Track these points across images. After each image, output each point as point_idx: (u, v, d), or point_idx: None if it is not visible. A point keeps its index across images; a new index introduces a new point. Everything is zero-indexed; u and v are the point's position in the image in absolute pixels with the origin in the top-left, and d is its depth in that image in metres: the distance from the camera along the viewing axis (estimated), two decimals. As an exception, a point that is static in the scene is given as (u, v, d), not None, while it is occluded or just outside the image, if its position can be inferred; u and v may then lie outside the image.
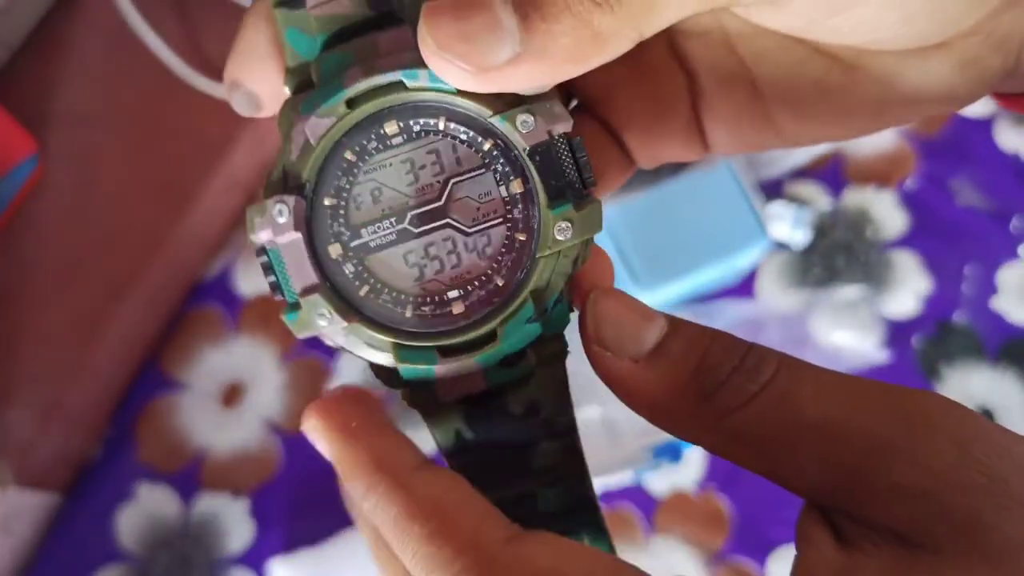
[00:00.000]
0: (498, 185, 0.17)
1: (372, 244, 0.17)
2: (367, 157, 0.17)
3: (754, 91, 0.20)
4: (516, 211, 0.17)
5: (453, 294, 0.17)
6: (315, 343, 0.61)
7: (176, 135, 0.62)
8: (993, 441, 0.15)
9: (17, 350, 0.56)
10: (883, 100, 0.19)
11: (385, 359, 0.18)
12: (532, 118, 0.16)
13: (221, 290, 0.63)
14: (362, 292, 0.17)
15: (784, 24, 0.17)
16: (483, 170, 0.16)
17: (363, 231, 0.17)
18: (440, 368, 0.18)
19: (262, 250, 0.17)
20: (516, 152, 0.16)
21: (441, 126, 0.16)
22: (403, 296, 0.17)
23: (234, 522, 0.57)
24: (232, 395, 0.60)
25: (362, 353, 0.19)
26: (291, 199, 0.16)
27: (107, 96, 0.63)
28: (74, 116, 0.63)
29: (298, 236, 0.17)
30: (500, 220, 0.17)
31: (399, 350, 0.18)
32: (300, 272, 0.17)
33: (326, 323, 0.18)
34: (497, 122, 0.16)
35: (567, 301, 0.17)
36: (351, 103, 0.17)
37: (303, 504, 0.57)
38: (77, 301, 0.58)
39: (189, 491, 0.58)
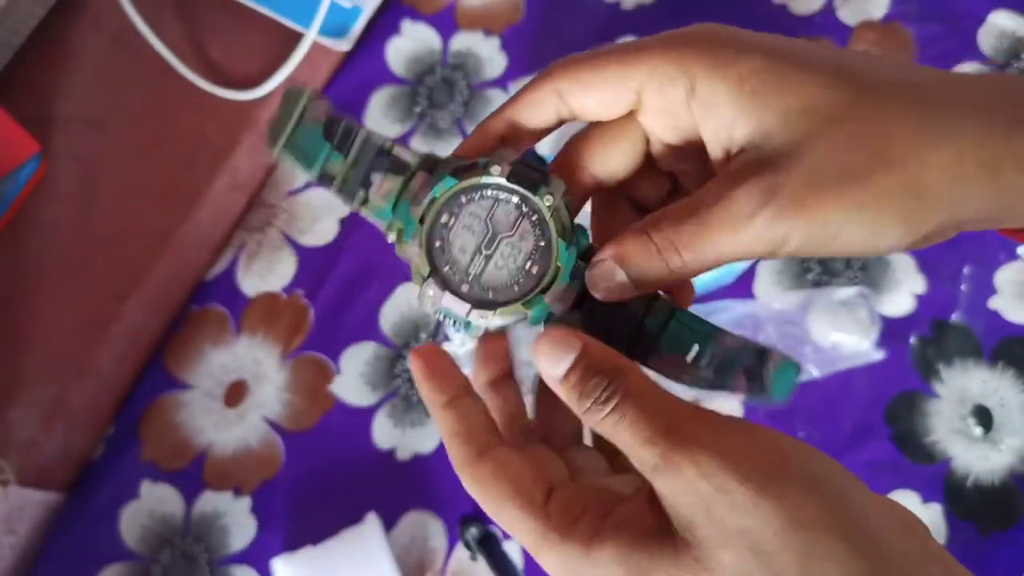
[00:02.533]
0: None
1: (474, 271, 0.28)
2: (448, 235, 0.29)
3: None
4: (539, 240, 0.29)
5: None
6: (316, 344, 0.61)
7: (178, 136, 0.62)
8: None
9: (20, 350, 0.57)
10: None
11: (521, 317, 0.28)
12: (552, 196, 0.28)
13: (224, 290, 0.63)
14: (489, 296, 0.28)
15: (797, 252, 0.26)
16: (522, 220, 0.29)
17: (469, 268, 0.28)
18: (548, 299, 0.28)
19: (437, 312, 0.28)
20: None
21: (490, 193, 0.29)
22: (503, 288, 0.28)
23: (236, 520, 0.57)
24: (234, 394, 0.60)
25: (508, 321, 0.28)
26: (432, 280, 0.28)
27: (109, 97, 0.63)
28: (76, 117, 0.63)
29: (446, 293, 0.28)
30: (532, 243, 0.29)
31: (528, 307, 0.28)
32: (458, 308, 0.28)
33: (484, 321, 0.28)
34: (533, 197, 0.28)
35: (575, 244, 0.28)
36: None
37: (304, 503, 0.58)
38: (80, 301, 0.58)
39: (191, 489, 0.58)
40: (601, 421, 0.25)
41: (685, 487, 0.23)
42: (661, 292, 0.29)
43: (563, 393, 0.26)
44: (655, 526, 0.24)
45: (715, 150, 0.27)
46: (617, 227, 0.28)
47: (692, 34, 0.26)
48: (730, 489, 0.22)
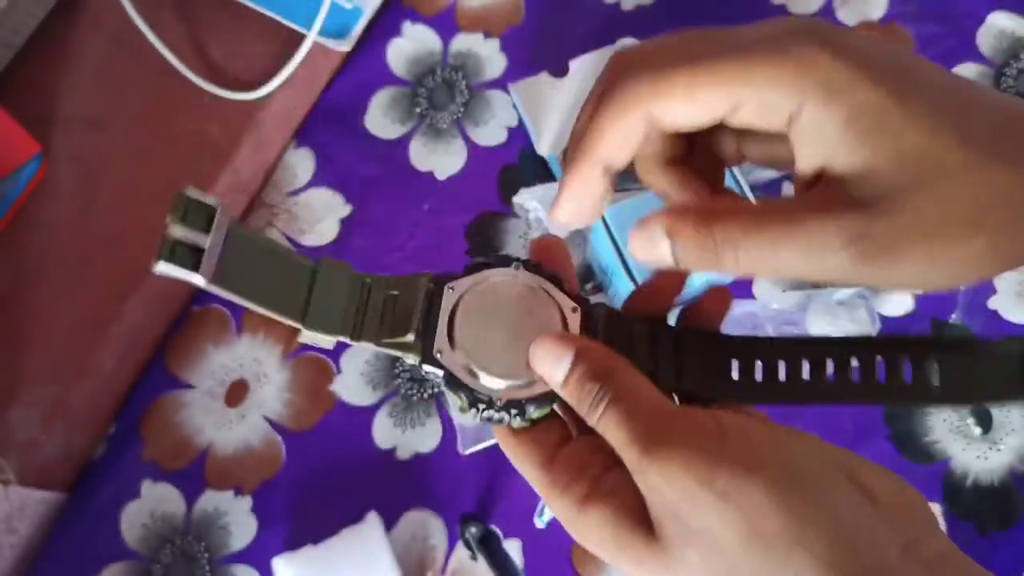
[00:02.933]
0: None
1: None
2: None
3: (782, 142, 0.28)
4: None
5: None
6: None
7: (179, 137, 0.62)
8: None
9: (21, 349, 0.57)
10: None
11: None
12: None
13: (224, 290, 0.63)
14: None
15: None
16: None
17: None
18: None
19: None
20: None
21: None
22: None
23: (237, 520, 0.58)
24: (235, 394, 0.61)
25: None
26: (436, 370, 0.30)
27: (110, 97, 0.64)
28: (77, 117, 0.63)
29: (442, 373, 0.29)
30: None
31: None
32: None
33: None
34: None
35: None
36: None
37: (305, 502, 0.58)
38: (81, 301, 0.58)
39: (192, 489, 0.58)
40: (597, 423, 0.26)
41: (655, 489, 0.24)
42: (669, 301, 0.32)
43: (564, 395, 0.27)
44: (637, 505, 0.25)
45: (805, 167, 0.26)
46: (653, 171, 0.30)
47: (796, 45, 0.24)
48: (694, 493, 0.23)
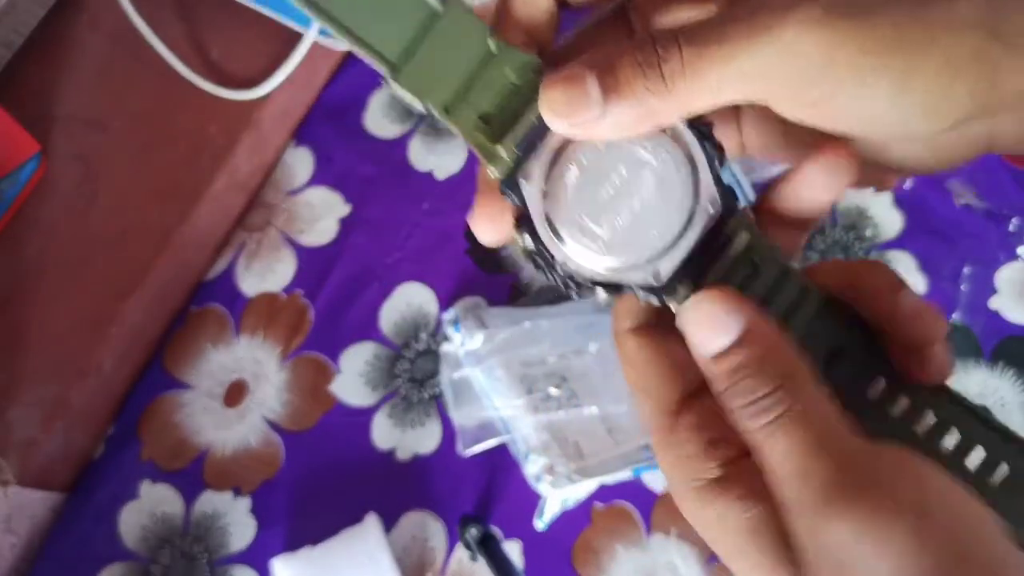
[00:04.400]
0: None
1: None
2: None
3: (772, 117, 0.24)
4: None
5: None
6: (316, 344, 0.61)
7: (178, 136, 0.62)
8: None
9: (21, 349, 0.57)
10: (874, 163, 0.24)
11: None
12: None
13: (223, 290, 0.63)
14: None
15: (811, 120, 0.22)
16: None
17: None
18: None
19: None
20: None
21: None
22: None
23: (236, 520, 0.57)
24: (234, 394, 0.60)
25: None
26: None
27: (109, 97, 0.63)
28: (76, 117, 0.63)
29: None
30: None
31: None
32: None
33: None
34: None
35: None
36: None
37: (304, 503, 0.58)
38: (80, 301, 0.58)
39: (191, 490, 0.58)
40: (752, 427, 0.20)
41: (825, 544, 0.19)
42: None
43: (708, 373, 0.21)
44: (779, 528, 0.20)
45: None
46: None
47: None
48: (877, 570, 0.18)
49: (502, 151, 0.23)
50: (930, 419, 0.23)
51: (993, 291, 0.58)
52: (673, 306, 0.23)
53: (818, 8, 0.20)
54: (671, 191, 0.23)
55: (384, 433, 0.59)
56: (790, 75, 0.20)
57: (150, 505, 0.58)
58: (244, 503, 0.58)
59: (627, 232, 0.23)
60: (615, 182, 0.23)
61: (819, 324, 0.23)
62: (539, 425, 0.55)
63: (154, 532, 0.58)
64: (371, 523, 0.54)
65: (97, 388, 0.58)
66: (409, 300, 0.61)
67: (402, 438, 0.59)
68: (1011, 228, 0.61)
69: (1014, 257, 0.60)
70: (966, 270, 0.59)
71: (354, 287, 0.62)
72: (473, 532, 0.55)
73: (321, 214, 0.64)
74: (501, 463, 0.57)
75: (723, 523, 0.21)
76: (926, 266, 0.59)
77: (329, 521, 0.55)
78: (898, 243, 0.61)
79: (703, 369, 0.22)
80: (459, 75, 0.23)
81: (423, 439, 0.58)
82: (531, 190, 0.23)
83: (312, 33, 0.62)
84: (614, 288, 0.23)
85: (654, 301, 0.23)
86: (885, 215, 0.62)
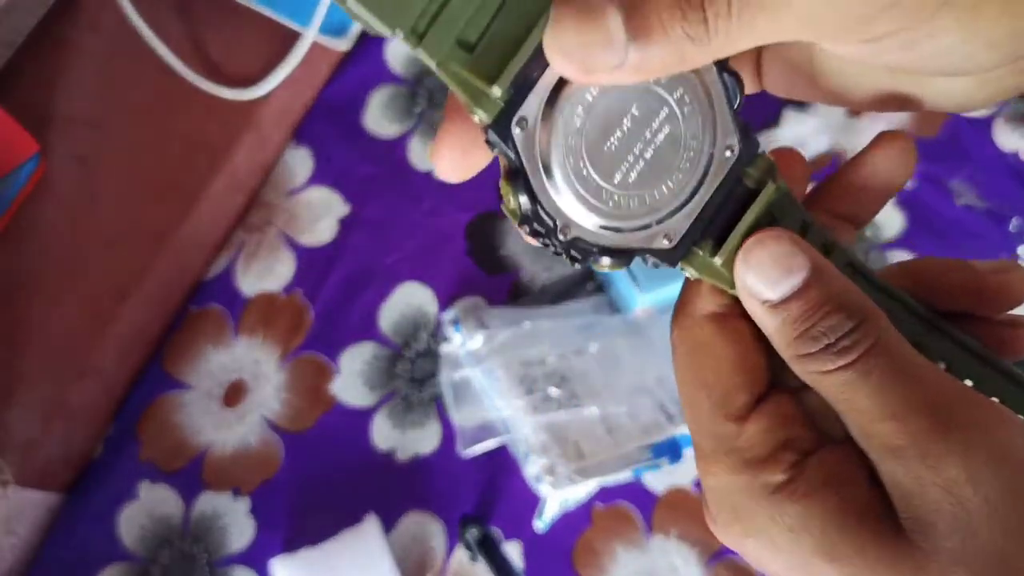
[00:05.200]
0: None
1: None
2: None
3: (806, 53, 0.23)
4: None
5: None
6: (315, 344, 0.61)
7: (178, 136, 0.62)
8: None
9: (19, 349, 0.57)
10: (909, 100, 0.22)
11: None
12: None
13: (223, 290, 0.63)
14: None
15: (854, 55, 0.20)
16: None
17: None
18: None
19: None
20: None
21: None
22: None
23: (235, 521, 0.57)
24: (233, 394, 0.60)
25: None
26: None
27: (109, 97, 0.63)
28: (76, 117, 0.63)
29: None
30: None
31: None
32: None
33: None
34: None
35: None
36: None
37: (304, 504, 0.58)
38: (79, 301, 0.58)
39: (190, 490, 0.58)
40: (830, 374, 0.19)
41: (938, 485, 0.17)
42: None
43: (775, 323, 0.19)
44: (873, 505, 0.19)
45: None
46: None
47: None
48: (1000, 505, 0.17)
49: (495, 90, 0.19)
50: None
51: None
52: (690, 272, 0.21)
53: None
54: (686, 135, 0.20)
55: (384, 433, 0.59)
56: (852, 14, 0.18)
57: (149, 505, 0.58)
58: (243, 503, 0.58)
59: (637, 186, 0.20)
60: (625, 126, 0.19)
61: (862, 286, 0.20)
62: (539, 425, 0.55)
63: (153, 532, 0.57)
64: (371, 524, 0.54)
65: (96, 388, 0.58)
66: (409, 300, 0.61)
67: (402, 438, 0.58)
68: (1011, 228, 0.61)
69: (1014, 257, 0.60)
70: (967, 270, 0.59)
71: (354, 287, 0.62)
72: (473, 533, 0.54)
73: (320, 214, 0.64)
74: (501, 464, 0.57)
75: (806, 522, 0.19)
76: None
77: (329, 522, 0.55)
78: (899, 243, 0.61)
79: (763, 322, 0.19)
80: None
81: (423, 439, 0.58)
82: (526, 139, 0.19)
83: (312, 33, 0.61)
84: (623, 255, 0.20)
85: (667, 266, 0.20)
86: (886, 215, 0.62)
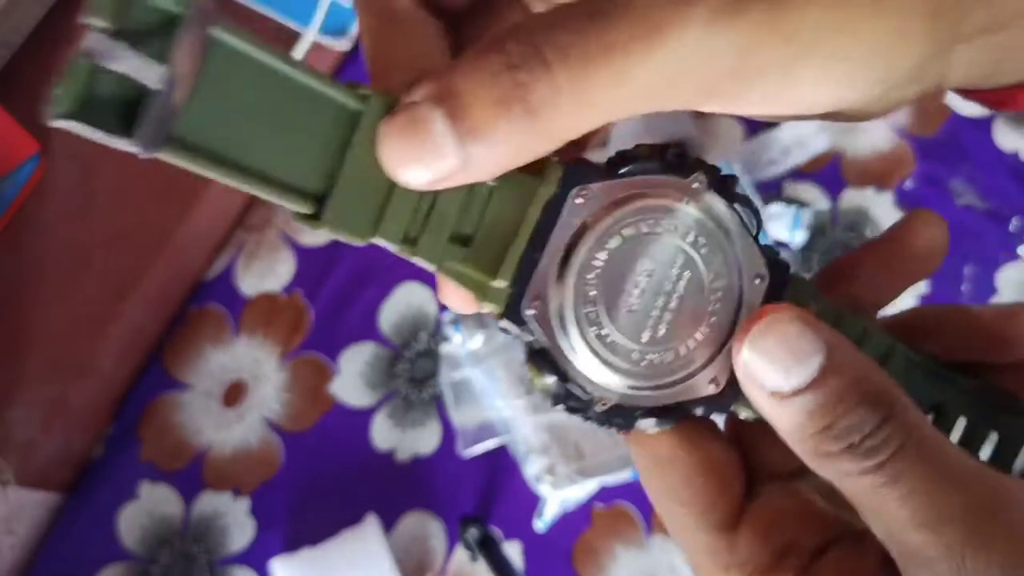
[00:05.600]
0: None
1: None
2: None
3: None
4: None
5: None
6: (315, 344, 0.61)
7: (178, 136, 0.62)
8: None
9: (20, 349, 0.57)
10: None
11: None
12: None
13: (223, 290, 0.63)
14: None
15: (734, 112, 0.18)
16: None
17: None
18: None
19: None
20: None
21: None
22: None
23: (235, 521, 0.57)
24: (234, 394, 0.60)
25: None
26: None
27: (109, 97, 0.63)
28: (76, 116, 0.63)
29: None
30: None
31: None
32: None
33: None
34: None
35: None
36: None
37: (304, 503, 0.58)
38: (80, 301, 0.58)
39: (190, 490, 0.58)
40: (856, 477, 0.16)
41: None
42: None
43: (787, 418, 0.17)
44: None
45: None
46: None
47: None
48: None
49: (499, 283, 0.18)
50: None
51: (994, 291, 0.58)
52: (746, 414, 0.19)
53: None
54: (709, 277, 0.18)
55: (384, 433, 0.59)
56: (701, 80, 0.16)
57: (149, 505, 0.58)
58: (243, 503, 0.58)
59: (668, 341, 0.18)
60: (642, 284, 0.18)
61: (918, 381, 0.20)
62: (539, 425, 0.55)
63: (153, 532, 0.57)
64: (371, 524, 0.54)
65: (96, 388, 0.58)
66: (409, 300, 0.61)
67: (402, 438, 0.58)
68: (1011, 228, 0.61)
69: (1014, 257, 0.60)
70: (967, 270, 0.59)
71: (354, 287, 0.62)
72: (473, 533, 0.54)
73: (321, 214, 0.64)
74: (501, 463, 0.57)
75: None
76: (927, 266, 0.59)
77: (329, 522, 0.55)
78: (899, 243, 0.61)
79: (772, 416, 0.17)
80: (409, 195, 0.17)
81: (423, 439, 0.58)
82: (542, 319, 0.18)
83: (312, 33, 0.61)
84: (669, 412, 0.19)
85: (719, 414, 0.19)
86: (886, 215, 0.62)
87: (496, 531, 0.56)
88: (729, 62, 0.16)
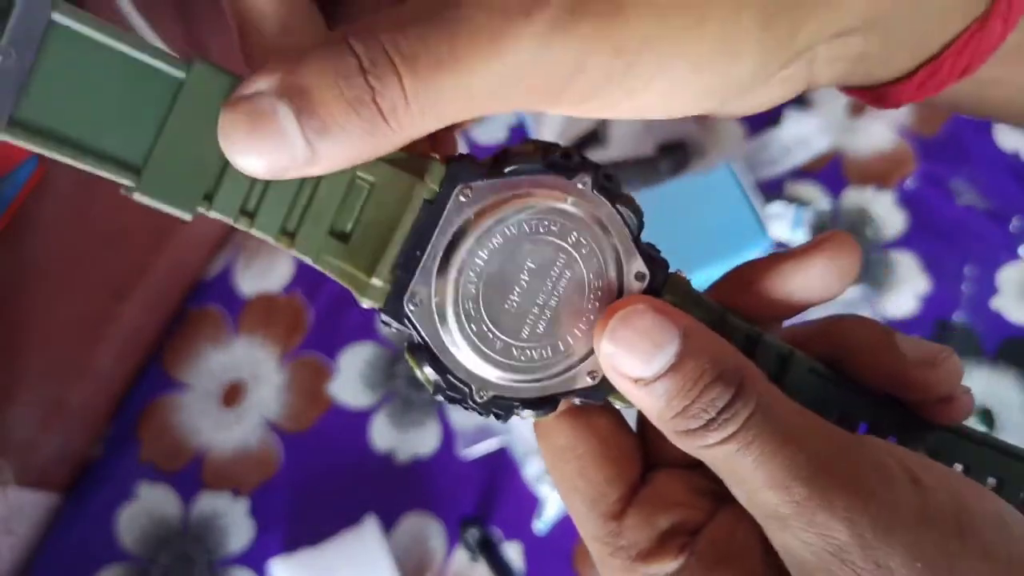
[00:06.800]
0: None
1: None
2: None
3: None
4: None
5: None
6: (314, 344, 0.61)
7: (177, 135, 0.62)
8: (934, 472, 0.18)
9: (19, 350, 0.56)
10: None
11: None
12: None
13: (222, 290, 0.63)
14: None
15: (580, 114, 0.19)
16: None
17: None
18: None
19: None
20: None
21: None
22: None
23: (234, 522, 0.57)
24: (233, 395, 0.60)
25: None
26: None
27: (108, 96, 0.63)
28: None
29: None
30: None
31: None
32: None
33: None
34: None
35: None
36: None
37: (303, 504, 0.57)
38: (78, 301, 0.58)
39: (190, 491, 0.58)
40: (713, 447, 0.18)
41: (829, 552, 0.17)
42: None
43: (650, 402, 0.18)
44: (764, 569, 0.18)
45: None
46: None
47: None
48: (893, 568, 0.16)
49: (375, 281, 0.19)
50: (958, 468, 0.21)
51: (994, 291, 0.58)
52: (620, 404, 0.20)
53: (555, 8, 0.16)
54: (590, 276, 0.19)
55: (383, 434, 0.59)
56: (541, 86, 0.17)
57: (149, 506, 0.58)
58: (243, 504, 0.58)
59: (548, 336, 0.19)
60: (523, 282, 0.19)
61: (815, 390, 0.20)
62: (539, 426, 0.55)
63: (152, 533, 0.57)
64: (370, 525, 0.54)
65: (95, 389, 0.58)
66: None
67: (401, 439, 0.58)
68: (1012, 228, 0.61)
69: (1015, 257, 0.60)
70: (967, 270, 0.59)
71: (353, 287, 0.62)
72: (473, 533, 0.54)
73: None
74: (501, 464, 0.57)
75: None
76: (929, 266, 0.59)
77: (328, 522, 0.55)
78: (900, 243, 0.61)
79: (637, 400, 0.18)
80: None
81: (422, 440, 0.58)
82: (422, 314, 0.19)
83: None
84: (546, 402, 0.19)
85: (598, 403, 0.20)
86: (887, 215, 0.62)
87: (496, 532, 0.55)
88: (567, 70, 0.17)
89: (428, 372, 0.19)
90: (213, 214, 0.18)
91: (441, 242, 0.18)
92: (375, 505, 0.56)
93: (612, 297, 0.19)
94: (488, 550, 0.54)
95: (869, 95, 0.22)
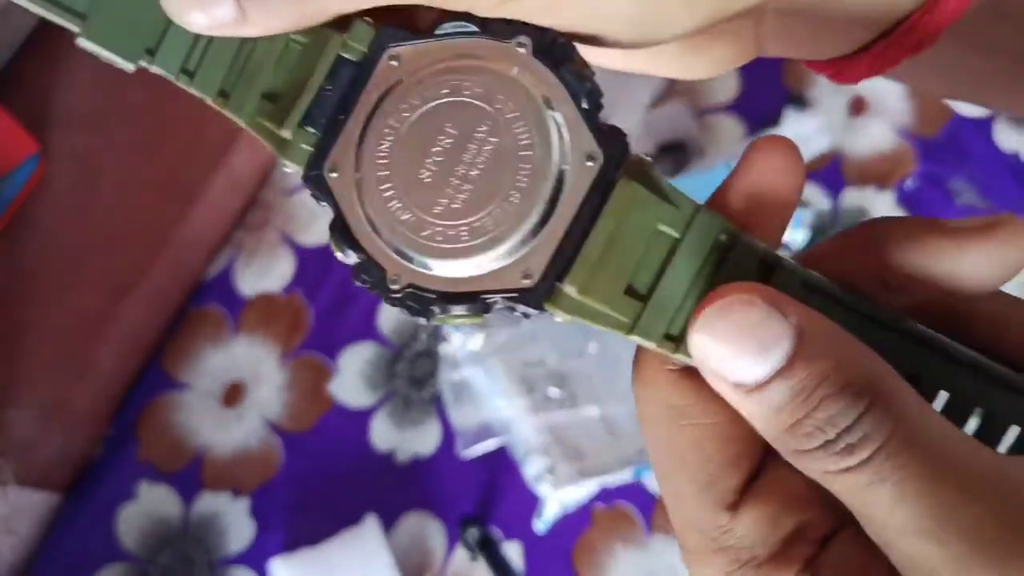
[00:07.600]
0: None
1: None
2: None
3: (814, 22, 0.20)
4: None
5: None
6: (315, 344, 0.61)
7: (177, 136, 0.62)
8: None
9: (19, 350, 0.57)
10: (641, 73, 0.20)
11: None
12: None
13: (222, 290, 0.63)
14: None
15: (545, 23, 0.17)
16: None
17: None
18: None
19: None
20: None
21: None
22: None
23: (234, 521, 0.57)
24: (233, 395, 0.60)
25: None
26: None
27: (108, 97, 0.63)
28: (75, 117, 0.63)
29: None
30: None
31: None
32: None
33: None
34: None
35: None
36: None
37: (303, 504, 0.58)
38: (79, 301, 0.58)
39: (190, 491, 0.58)
40: (837, 476, 0.14)
41: None
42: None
43: (755, 411, 0.14)
44: None
45: None
46: None
47: None
48: None
49: (284, 133, 0.17)
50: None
51: (995, 291, 0.58)
52: (560, 317, 0.17)
53: None
54: (516, 147, 0.17)
55: (383, 433, 0.59)
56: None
57: (149, 506, 0.58)
58: (243, 504, 0.58)
59: (465, 214, 0.17)
60: (440, 149, 0.17)
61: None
62: (539, 426, 0.55)
63: (152, 533, 0.57)
64: (370, 524, 0.54)
65: (96, 388, 0.58)
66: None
67: (401, 439, 0.58)
68: (1013, 228, 0.61)
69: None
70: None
71: (353, 287, 0.62)
72: (473, 533, 0.54)
73: (319, 212, 0.64)
74: (501, 464, 0.57)
75: None
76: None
77: (328, 522, 0.55)
78: (899, 243, 0.61)
79: (740, 407, 0.15)
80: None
81: (422, 440, 0.58)
82: (341, 184, 0.17)
83: (311, 33, 0.61)
84: (472, 300, 0.17)
85: (532, 311, 0.17)
86: (887, 214, 0.62)
87: (496, 531, 0.55)
88: None
89: (347, 253, 0.17)
90: (155, 69, 0.18)
91: (364, 107, 0.17)
92: (375, 505, 0.56)
93: (549, 178, 0.16)
94: (488, 550, 0.54)
95: (829, 67, 0.21)
